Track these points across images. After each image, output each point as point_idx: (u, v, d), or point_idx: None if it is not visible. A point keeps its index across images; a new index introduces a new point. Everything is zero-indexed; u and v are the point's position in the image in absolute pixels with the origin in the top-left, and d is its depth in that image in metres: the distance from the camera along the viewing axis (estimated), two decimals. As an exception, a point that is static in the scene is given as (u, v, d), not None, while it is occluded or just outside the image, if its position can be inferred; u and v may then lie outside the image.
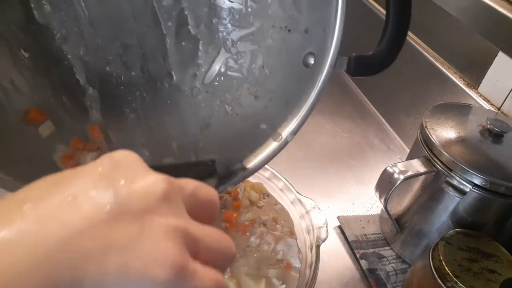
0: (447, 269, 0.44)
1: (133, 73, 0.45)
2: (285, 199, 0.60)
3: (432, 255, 0.47)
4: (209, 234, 0.23)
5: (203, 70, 0.47)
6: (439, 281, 0.45)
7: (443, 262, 0.45)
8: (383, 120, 0.91)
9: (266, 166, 0.61)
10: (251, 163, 0.42)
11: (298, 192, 0.59)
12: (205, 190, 0.25)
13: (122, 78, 0.45)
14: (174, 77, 0.46)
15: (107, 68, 0.44)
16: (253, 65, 0.46)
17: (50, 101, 0.42)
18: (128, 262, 0.20)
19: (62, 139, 0.41)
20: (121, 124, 0.45)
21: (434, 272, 0.45)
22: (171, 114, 0.47)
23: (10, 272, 0.18)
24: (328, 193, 0.70)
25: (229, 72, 0.47)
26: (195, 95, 0.47)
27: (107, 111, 0.44)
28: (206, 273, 0.22)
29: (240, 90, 0.47)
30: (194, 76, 0.47)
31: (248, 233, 0.55)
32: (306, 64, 0.42)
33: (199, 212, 0.24)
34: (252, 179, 0.63)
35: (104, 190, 0.21)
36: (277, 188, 0.61)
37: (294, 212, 0.59)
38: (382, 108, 0.92)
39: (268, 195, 0.61)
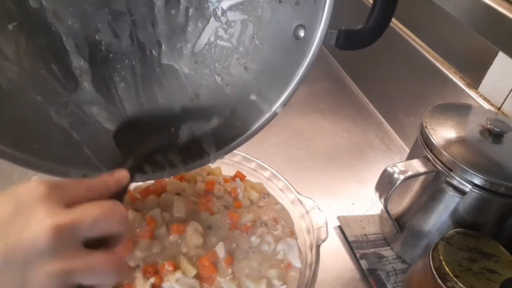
0: (447, 269, 0.44)
1: (122, 41, 0.45)
2: (285, 199, 0.60)
3: (432, 255, 0.47)
4: (92, 266, 0.27)
5: (192, 38, 0.47)
6: (439, 281, 0.45)
7: (443, 262, 0.45)
8: (383, 120, 0.91)
9: (266, 166, 0.62)
10: (241, 134, 0.44)
11: (298, 192, 0.59)
12: (104, 222, 0.28)
13: (111, 46, 0.44)
14: (163, 46, 0.46)
15: (96, 36, 0.43)
16: (243, 35, 0.46)
17: (40, 69, 0.41)
18: None
19: (53, 107, 0.41)
20: (111, 93, 0.45)
21: (434, 272, 0.45)
22: (160, 83, 0.47)
23: None
24: (328, 193, 0.70)
25: (219, 42, 0.47)
26: (185, 64, 0.47)
27: (97, 80, 0.44)
28: None
29: (230, 60, 0.47)
30: (183, 45, 0.47)
31: (248, 233, 0.55)
32: (296, 37, 0.42)
33: (101, 234, 0.28)
34: (252, 179, 0.63)
35: None
36: (277, 188, 0.61)
37: (294, 212, 0.59)
38: (382, 108, 0.92)
39: (268, 195, 0.61)
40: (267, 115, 0.44)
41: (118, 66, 0.45)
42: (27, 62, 0.40)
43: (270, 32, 0.45)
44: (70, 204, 0.28)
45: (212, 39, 0.47)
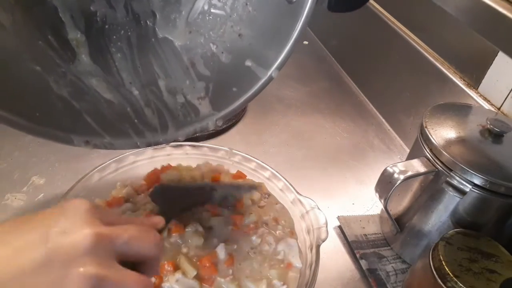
0: (447, 269, 0.44)
1: (117, 12, 0.45)
2: (285, 199, 0.60)
3: (432, 255, 0.47)
4: (124, 280, 0.29)
5: (186, 8, 0.48)
6: (439, 281, 0.45)
7: (443, 262, 0.45)
8: (383, 120, 0.91)
9: (266, 166, 0.62)
10: (239, 98, 0.45)
11: (298, 192, 0.59)
12: (140, 240, 0.31)
13: (107, 17, 0.45)
14: (158, 16, 0.47)
15: (91, 7, 0.44)
16: (237, 2, 0.47)
17: (37, 40, 0.42)
18: None
19: (52, 78, 0.42)
20: (108, 64, 0.46)
21: (434, 272, 0.45)
22: (156, 53, 0.47)
23: None
24: (328, 193, 0.70)
25: (212, 10, 0.47)
26: (179, 34, 0.48)
27: (94, 51, 0.45)
28: None
29: (224, 28, 0.48)
30: (177, 14, 0.47)
31: (250, 233, 0.55)
32: (289, 0, 0.43)
33: (136, 253, 0.31)
34: (252, 179, 0.63)
35: (41, 241, 0.27)
36: (277, 188, 0.61)
37: (294, 212, 0.59)
38: (382, 108, 0.92)
39: (269, 194, 0.61)
40: (263, 80, 0.45)
41: (114, 37, 0.46)
42: (25, 33, 0.41)
43: None
44: (109, 224, 0.31)
45: (206, 7, 0.48)
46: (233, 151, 0.64)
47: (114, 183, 0.58)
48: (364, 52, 1.00)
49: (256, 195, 0.60)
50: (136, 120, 0.44)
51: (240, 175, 0.63)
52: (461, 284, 0.43)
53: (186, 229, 0.52)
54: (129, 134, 0.44)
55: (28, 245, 0.27)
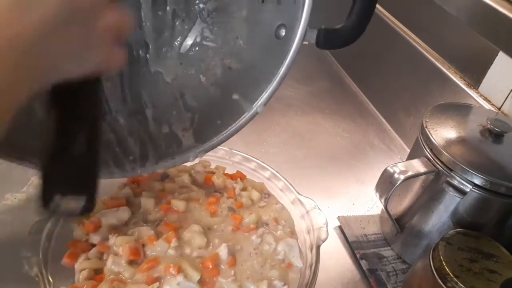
0: (447, 269, 0.44)
1: None
2: (285, 199, 0.60)
3: (432, 255, 0.47)
4: (122, 17, 0.30)
5: (179, 39, 0.48)
6: (440, 281, 0.45)
7: (443, 262, 0.45)
8: (383, 120, 0.90)
9: (266, 166, 0.62)
10: (223, 132, 0.45)
11: (298, 192, 0.59)
12: None
13: None
14: (150, 46, 0.47)
15: None
16: (228, 35, 0.47)
17: None
18: (74, 59, 0.28)
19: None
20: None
21: (435, 272, 0.45)
22: (146, 82, 0.48)
23: None
24: (328, 193, 0.70)
25: (204, 42, 0.48)
26: (171, 64, 0.48)
27: None
28: (118, 57, 0.32)
29: (215, 60, 0.48)
30: (170, 45, 0.48)
31: (250, 233, 0.55)
32: (278, 36, 0.43)
33: None
34: (252, 179, 0.63)
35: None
36: (277, 188, 0.61)
37: (294, 212, 0.59)
38: (382, 108, 0.92)
39: (269, 194, 0.61)
40: (248, 114, 0.45)
41: None
42: None
43: (253, 32, 0.46)
44: None
45: (198, 39, 0.48)
46: (233, 151, 0.64)
47: (114, 183, 0.58)
48: (365, 52, 1.00)
49: (256, 195, 0.60)
50: (117, 149, 0.44)
51: (240, 175, 0.63)
52: (461, 285, 0.43)
53: (187, 230, 0.52)
54: (107, 163, 0.44)
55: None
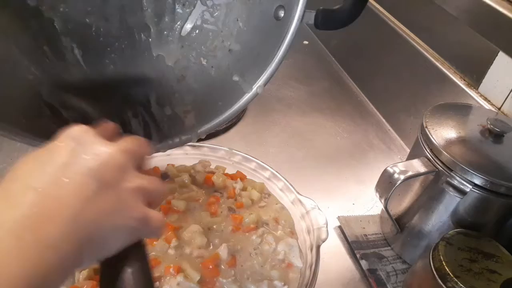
0: (447, 269, 0.44)
1: (112, 25, 0.46)
2: (285, 199, 0.60)
3: (432, 255, 0.47)
4: (150, 181, 0.32)
5: (180, 22, 0.48)
6: (440, 281, 0.45)
7: (443, 262, 0.45)
8: (383, 120, 0.90)
9: (266, 166, 0.62)
10: (224, 112, 0.46)
11: (298, 192, 0.59)
12: (138, 145, 0.34)
13: (102, 29, 0.45)
14: (152, 30, 0.48)
15: (87, 19, 0.44)
16: (228, 18, 0.47)
17: (33, 48, 0.42)
18: (116, 220, 0.28)
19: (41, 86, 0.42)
20: (100, 74, 0.46)
21: (435, 272, 0.45)
22: (149, 66, 0.48)
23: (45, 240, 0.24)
24: (328, 193, 0.70)
25: (205, 25, 0.48)
26: (172, 47, 0.49)
27: (88, 62, 0.46)
28: (156, 216, 0.32)
29: (215, 43, 0.48)
30: (171, 28, 0.48)
31: (250, 232, 0.55)
32: (277, 17, 0.44)
33: (138, 161, 0.33)
34: (252, 179, 0.63)
35: (81, 166, 0.28)
36: (277, 188, 0.61)
37: (294, 212, 0.59)
38: (382, 108, 0.92)
39: (269, 194, 0.61)
40: (248, 95, 0.46)
41: (108, 49, 0.46)
42: (21, 43, 0.41)
43: (253, 14, 0.47)
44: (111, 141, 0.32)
45: (198, 22, 0.49)
46: (233, 151, 0.64)
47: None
48: (364, 52, 1.00)
49: (256, 195, 0.60)
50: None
51: (240, 175, 0.63)
52: (461, 284, 0.43)
53: (187, 230, 0.52)
54: None
55: (73, 182, 0.27)
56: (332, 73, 1.06)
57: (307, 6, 0.42)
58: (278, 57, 0.44)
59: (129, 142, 0.33)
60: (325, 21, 0.44)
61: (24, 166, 0.28)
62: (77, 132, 0.30)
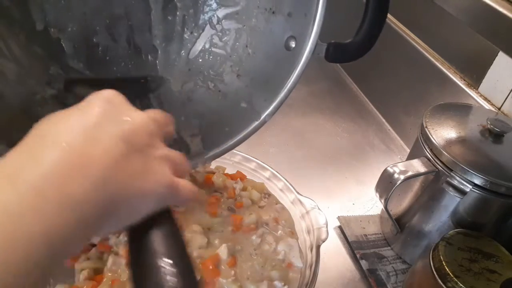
0: (447, 269, 0.44)
1: (119, 45, 0.45)
2: (285, 199, 0.60)
3: (432, 255, 0.47)
4: (177, 154, 0.32)
5: (188, 45, 0.48)
6: (440, 281, 0.45)
7: (443, 262, 0.45)
8: (383, 120, 0.90)
9: (266, 166, 0.62)
10: (231, 139, 0.45)
11: (298, 192, 0.59)
12: (164, 117, 0.33)
13: (108, 49, 0.45)
14: (159, 51, 0.47)
15: (94, 38, 0.44)
16: (237, 43, 0.47)
17: (37, 68, 0.42)
18: (143, 184, 0.28)
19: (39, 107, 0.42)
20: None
21: (435, 272, 0.45)
22: (155, 88, 0.48)
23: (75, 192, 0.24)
24: (328, 193, 0.70)
25: (213, 49, 0.48)
26: (179, 69, 0.48)
27: (91, 83, 0.45)
28: (186, 185, 0.32)
29: (223, 68, 0.48)
30: (179, 50, 0.48)
31: (250, 232, 0.55)
32: (288, 47, 0.43)
33: (164, 133, 0.33)
34: (252, 179, 0.63)
35: (113, 127, 0.27)
36: (277, 188, 0.61)
37: (294, 212, 0.59)
38: (382, 108, 0.92)
39: (269, 194, 0.61)
40: (256, 123, 0.44)
41: (114, 68, 0.46)
42: (26, 60, 0.41)
43: (263, 42, 0.46)
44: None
45: (207, 46, 0.48)
46: (233, 151, 0.64)
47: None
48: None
49: (256, 195, 0.60)
50: None
51: (240, 175, 0.63)
52: (461, 285, 0.43)
53: (187, 230, 0.52)
54: None
55: (102, 131, 0.27)
56: (332, 73, 1.06)
57: (318, 38, 0.41)
58: (287, 87, 0.42)
59: (157, 113, 0.32)
60: (336, 54, 0.44)
61: (51, 123, 0.27)
62: (110, 94, 0.29)
